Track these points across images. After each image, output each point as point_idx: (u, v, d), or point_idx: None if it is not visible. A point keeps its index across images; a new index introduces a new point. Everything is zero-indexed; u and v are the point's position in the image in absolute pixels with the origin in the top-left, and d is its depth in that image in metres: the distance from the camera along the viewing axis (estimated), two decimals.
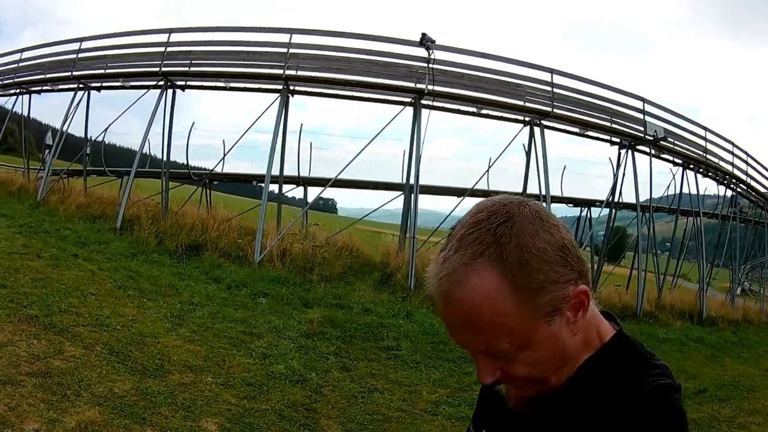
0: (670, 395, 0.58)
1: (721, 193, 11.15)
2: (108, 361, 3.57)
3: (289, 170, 9.67)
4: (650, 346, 0.74)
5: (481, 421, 0.76)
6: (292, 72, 7.97)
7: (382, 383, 4.25)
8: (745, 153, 10.58)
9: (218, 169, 10.04)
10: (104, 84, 9.71)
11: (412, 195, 7.99)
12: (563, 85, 8.71)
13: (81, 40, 9.36)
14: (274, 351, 4.47)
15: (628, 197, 9.68)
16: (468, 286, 0.56)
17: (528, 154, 9.01)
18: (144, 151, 9.05)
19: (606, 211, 10.32)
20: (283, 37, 8.01)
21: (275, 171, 8.51)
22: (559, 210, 10.80)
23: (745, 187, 10.89)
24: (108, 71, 9.11)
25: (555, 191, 10.41)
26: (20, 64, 10.37)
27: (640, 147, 9.14)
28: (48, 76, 9.82)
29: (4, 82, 10.79)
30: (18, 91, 10.63)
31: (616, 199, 9.58)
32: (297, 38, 8.00)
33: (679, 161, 9.72)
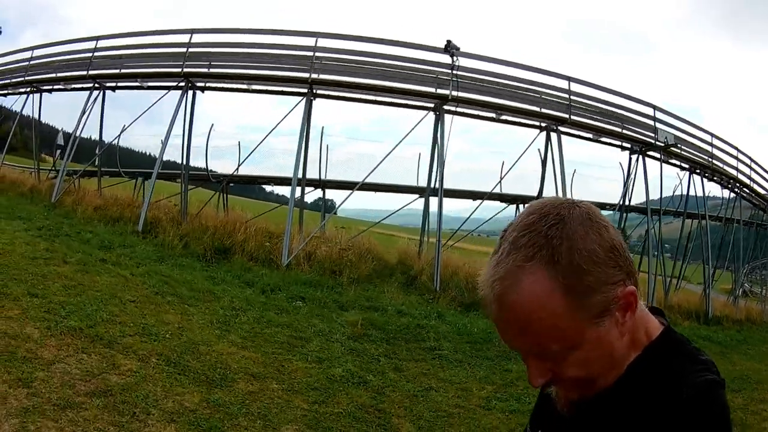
0: (716, 391, 0.59)
1: (724, 195, 11.61)
2: (168, 373, 3.45)
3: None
4: None
5: (538, 421, 0.76)
6: (318, 75, 8.02)
7: (435, 382, 4.40)
8: (749, 158, 11.08)
9: (232, 171, 10.02)
10: (119, 84, 9.59)
11: (437, 198, 8.11)
12: (579, 93, 8.95)
13: (97, 38, 9.23)
14: (327, 354, 4.56)
15: (633, 200, 10.02)
16: (520, 289, 0.56)
17: (544, 159, 9.23)
18: (155, 153, 8.97)
19: (608, 213, 10.63)
20: (309, 41, 8.06)
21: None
22: None
23: (748, 191, 11.36)
24: (126, 71, 9.01)
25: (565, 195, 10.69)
26: (32, 62, 10.15)
27: (650, 152, 9.45)
28: (62, 74, 9.64)
29: (14, 80, 10.54)
30: (29, 89, 10.41)
31: (625, 203, 9.88)
32: (322, 42, 8.06)
33: (686, 166, 10.08)
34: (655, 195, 9.85)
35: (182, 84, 8.57)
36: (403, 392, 4.05)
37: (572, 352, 0.59)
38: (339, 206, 8.84)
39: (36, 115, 10.84)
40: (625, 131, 9.34)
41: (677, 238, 13.37)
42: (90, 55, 9.22)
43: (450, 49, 7.87)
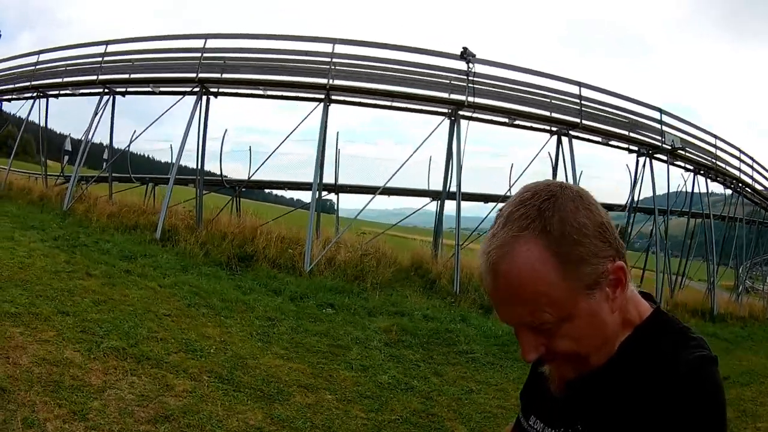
0: (709, 367, 0.59)
1: (726, 192, 11.95)
2: (223, 391, 3.39)
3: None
4: None
5: (530, 405, 0.77)
6: (336, 81, 8.05)
7: (473, 384, 4.51)
8: (751, 159, 11.46)
9: (244, 176, 9.99)
10: (130, 89, 9.48)
11: (453, 201, 8.22)
12: (589, 98, 9.14)
13: (106, 43, 9.10)
14: (370, 362, 4.63)
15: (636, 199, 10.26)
16: (514, 256, 0.59)
17: (556, 163, 9.40)
18: (166, 160, 8.91)
19: (616, 214, 10.88)
20: (326, 47, 8.08)
21: (306, 179, 8.55)
22: None
23: (750, 191, 11.74)
24: (138, 76, 8.91)
25: None
26: (38, 67, 9.96)
27: (657, 155, 9.70)
28: (70, 79, 9.49)
29: (19, 85, 10.32)
30: (35, 94, 10.20)
31: (632, 204, 10.12)
32: (339, 48, 8.09)
33: (691, 167, 10.37)
34: (661, 196, 10.10)
35: (197, 89, 8.52)
36: (448, 396, 4.15)
37: (564, 324, 0.60)
38: (359, 213, 8.84)
39: (41, 120, 10.64)
40: (632, 134, 9.57)
41: (677, 235, 13.74)
42: (100, 59, 9.10)
43: (466, 56, 7.98)
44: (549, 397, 0.70)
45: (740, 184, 11.26)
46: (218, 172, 9.63)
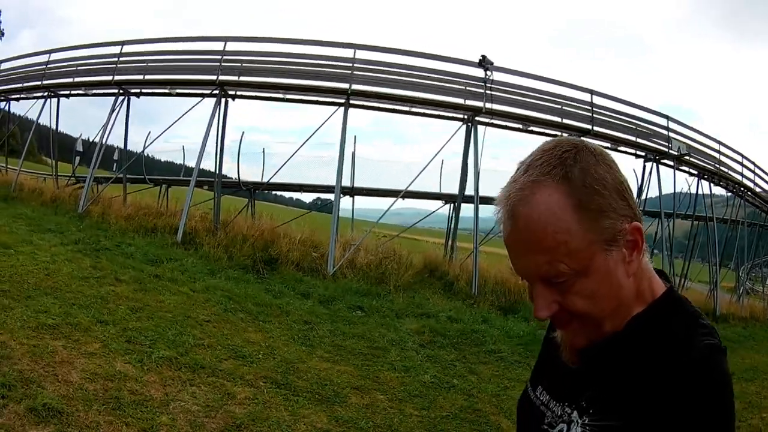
0: (718, 357, 0.58)
1: (728, 195, 12.36)
2: (284, 396, 3.42)
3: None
4: None
5: (539, 378, 0.77)
6: (357, 86, 8.15)
7: (507, 382, 4.67)
8: (753, 163, 11.90)
9: (259, 178, 10.03)
10: (144, 90, 9.44)
11: (471, 205, 8.39)
12: (599, 105, 9.40)
13: (122, 43, 9.04)
14: (410, 363, 4.76)
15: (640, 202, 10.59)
16: (533, 201, 0.58)
17: None
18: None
19: None
20: (347, 52, 8.17)
21: (313, 180, 8.63)
22: None
23: (751, 194, 12.19)
24: (155, 77, 8.88)
25: None
26: (49, 66, 9.83)
27: (664, 161, 10.01)
28: (83, 79, 9.39)
29: (29, 84, 10.17)
30: (46, 94, 10.06)
31: (641, 208, 10.42)
32: (360, 54, 8.19)
33: (695, 172, 10.73)
34: (665, 199, 10.43)
35: (216, 92, 8.54)
36: (487, 392, 4.30)
37: (579, 279, 0.59)
38: (381, 218, 8.95)
39: (51, 120, 10.50)
40: (640, 140, 9.86)
41: (677, 237, 14.14)
42: (115, 60, 9.03)
43: (485, 64, 8.15)
44: (560, 367, 0.69)
45: (742, 188, 11.69)
46: (228, 174, 9.68)
